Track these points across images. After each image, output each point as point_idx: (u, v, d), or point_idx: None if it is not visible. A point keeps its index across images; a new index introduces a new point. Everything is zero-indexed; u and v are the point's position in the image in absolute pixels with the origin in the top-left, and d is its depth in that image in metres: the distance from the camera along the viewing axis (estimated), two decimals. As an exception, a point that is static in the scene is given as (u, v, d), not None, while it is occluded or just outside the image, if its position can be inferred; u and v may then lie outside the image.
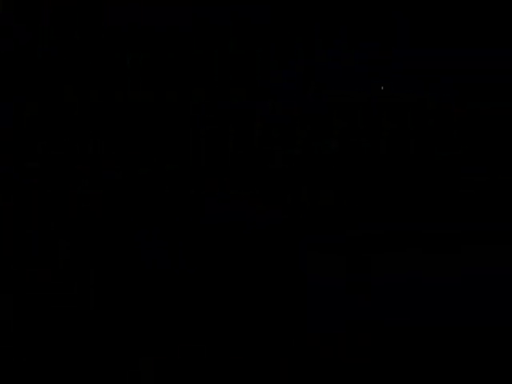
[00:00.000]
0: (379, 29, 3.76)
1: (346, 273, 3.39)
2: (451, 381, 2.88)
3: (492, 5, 3.79)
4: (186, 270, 3.29)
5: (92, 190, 3.48)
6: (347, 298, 3.29)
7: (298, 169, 3.65)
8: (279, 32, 3.73)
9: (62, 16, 3.59)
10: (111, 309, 3.15)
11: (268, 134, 3.67)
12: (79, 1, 3.60)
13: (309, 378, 2.84)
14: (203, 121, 3.66)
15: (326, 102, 3.71)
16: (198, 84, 3.69)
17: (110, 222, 3.43)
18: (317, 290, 3.29)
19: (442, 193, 3.67)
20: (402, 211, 3.64)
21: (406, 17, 3.77)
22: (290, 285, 3.29)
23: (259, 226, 3.42)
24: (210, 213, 3.45)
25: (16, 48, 3.54)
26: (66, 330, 3.04)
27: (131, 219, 3.44)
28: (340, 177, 3.68)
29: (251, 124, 3.67)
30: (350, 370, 2.87)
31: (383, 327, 3.14)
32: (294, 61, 3.73)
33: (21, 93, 3.53)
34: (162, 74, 3.67)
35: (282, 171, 3.63)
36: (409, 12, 3.77)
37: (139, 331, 3.06)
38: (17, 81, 3.54)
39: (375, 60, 3.76)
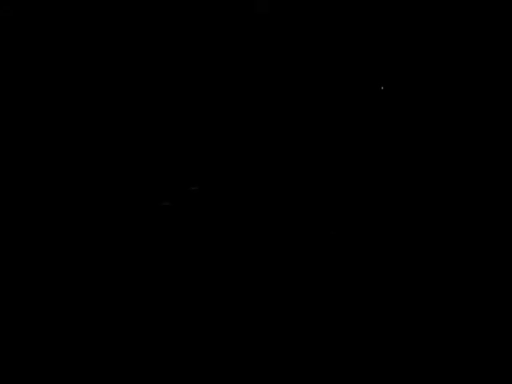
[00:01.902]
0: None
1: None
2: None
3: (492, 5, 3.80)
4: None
5: (92, 189, 3.47)
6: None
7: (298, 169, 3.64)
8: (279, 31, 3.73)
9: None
10: (111, 308, 3.14)
11: (268, 133, 3.67)
12: None
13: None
14: (203, 121, 3.65)
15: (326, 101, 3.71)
16: (198, 84, 3.69)
17: (110, 221, 3.42)
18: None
19: (442, 193, 3.67)
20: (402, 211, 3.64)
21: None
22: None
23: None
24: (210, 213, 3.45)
25: None
26: (66, 329, 3.03)
27: (131, 219, 3.43)
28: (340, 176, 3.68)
29: (251, 123, 3.67)
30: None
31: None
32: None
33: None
34: (161, 74, 3.66)
35: (282, 171, 3.62)
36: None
37: (139, 330, 3.05)
38: None
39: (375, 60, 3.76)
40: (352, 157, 3.74)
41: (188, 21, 3.59)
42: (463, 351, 2.92)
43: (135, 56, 3.64)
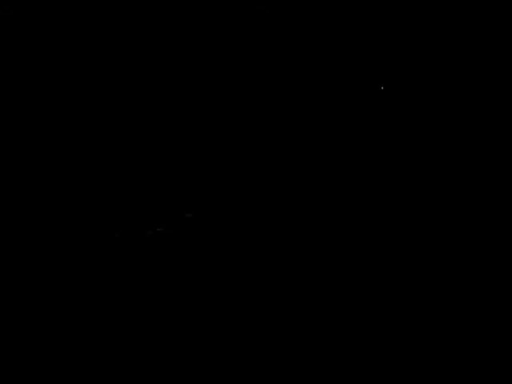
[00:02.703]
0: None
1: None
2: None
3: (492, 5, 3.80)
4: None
5: (91, 189, 3.48)
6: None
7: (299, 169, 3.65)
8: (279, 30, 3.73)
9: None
10: (110, 307, 3.15)
11: (268, 131, 3.67)
12: None
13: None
14: (203, 120, 3.66)
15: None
16: (198, 84, 3.69)
17: (109, 220, 3.43)
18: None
19: (441, 193, 3.67)
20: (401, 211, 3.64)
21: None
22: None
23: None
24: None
25: None
26: (65, 329, 3.04)
27: (130, 218, 3.44)
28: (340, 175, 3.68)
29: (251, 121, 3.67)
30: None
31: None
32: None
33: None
34: (161, 74, 3.66)
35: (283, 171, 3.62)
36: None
37: (138, 330, 3.05)
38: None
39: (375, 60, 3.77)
40: (352, 157, 3.74)
41: (187, 19, 3.59)
42: (463, 351, 2.92)
43: (135, 56, 3.65)
